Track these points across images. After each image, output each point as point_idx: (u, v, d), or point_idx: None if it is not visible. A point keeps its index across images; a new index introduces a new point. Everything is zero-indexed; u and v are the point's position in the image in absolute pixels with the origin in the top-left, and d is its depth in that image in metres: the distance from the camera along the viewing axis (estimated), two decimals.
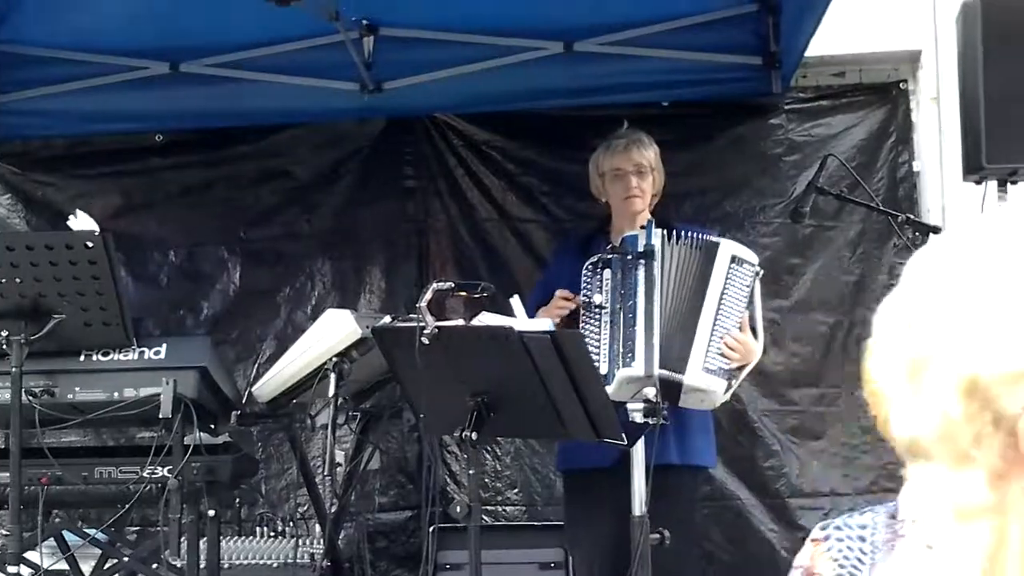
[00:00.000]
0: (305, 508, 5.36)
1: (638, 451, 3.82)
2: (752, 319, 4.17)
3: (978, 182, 4.49)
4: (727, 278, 4.09)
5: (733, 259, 4.10)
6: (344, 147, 5.92)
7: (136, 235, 5.88)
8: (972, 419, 1.22)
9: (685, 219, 4.96)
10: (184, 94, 5.58)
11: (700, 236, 4.19)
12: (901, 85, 5.68)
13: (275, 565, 4.53)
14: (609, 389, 3.82)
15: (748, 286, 4.13)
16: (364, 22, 5.26)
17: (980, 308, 1.21)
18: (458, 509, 3.53)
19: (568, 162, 5.50)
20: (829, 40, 5.32)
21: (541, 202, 5.80)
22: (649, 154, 4.50)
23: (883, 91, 5.71)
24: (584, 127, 5.40)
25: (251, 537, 4.74)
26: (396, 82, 5.48)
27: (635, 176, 4.45)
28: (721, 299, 4.07)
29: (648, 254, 4.05)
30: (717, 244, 4.15)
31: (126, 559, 4.42)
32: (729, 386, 4.10)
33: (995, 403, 1.20)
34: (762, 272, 4.21)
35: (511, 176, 5.85)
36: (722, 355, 4.05)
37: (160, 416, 4.00)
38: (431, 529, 4.56)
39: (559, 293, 4.24)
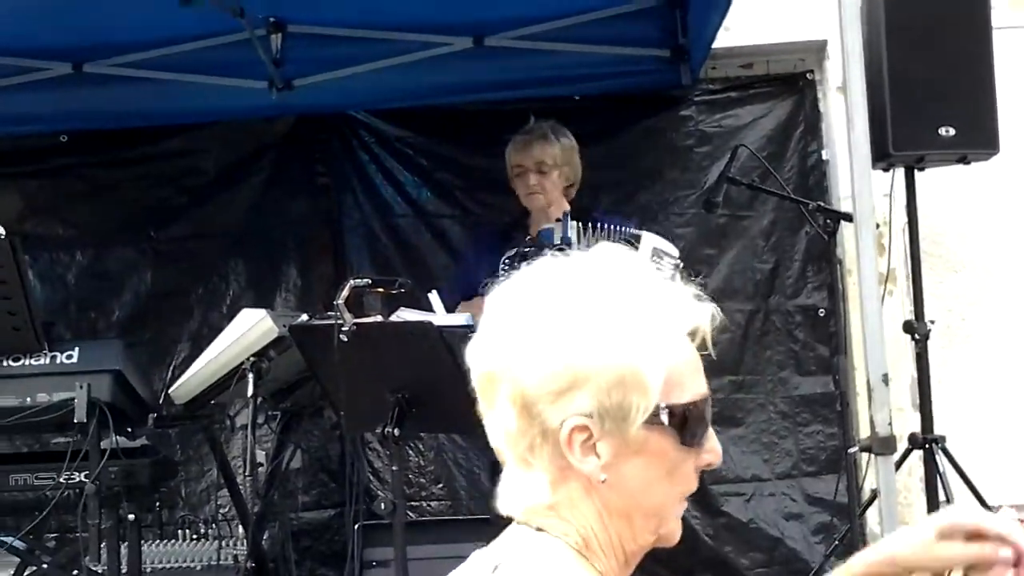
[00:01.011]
0: (227, 509, 5.28)
1: None
2: None
3: (886, 169, 4.57)
4: None
5: (655, 252, 4.11)
6: (254, 145, 5.86)
7: (43, 237, 5.78)
8: (525, 431, 1.42)
9: (601, 211, 4.98)
10: (89, 94, 5.46)
11: (621, 228, 4.20)
12: (808, 75, 5.75)
13: (198, 568, 4.49)
14: None
15: (669, 279, 4.14)
16: (271, 19, 5.18)
17: (532, 335, 1.42)
18: (382, 506, 3.53)
19: (482, 157, 5.51)
20: (736, 32, 5.39)
21: (456, 197, 5.79)
22: (553, 150, 4.50)
23: (791, 81, 5.77)
24: (497, 121, 5.39)
25: (173, 540, 4.69)
26: (306, 79, 5.42)
27: (535, 174, 4.47)
28: None
29: (564, 247, 4.06)
30: (639, 236, 4.16)
31: (45, 566, 4.35)
32: None
33: (540, 417, 1.41)
34: (682, 264, 4.23)
35: (425, 172, 5.83)
36: None
37: (75, 421, 3.95)
38: (356, 527, 4.54)
39: None
